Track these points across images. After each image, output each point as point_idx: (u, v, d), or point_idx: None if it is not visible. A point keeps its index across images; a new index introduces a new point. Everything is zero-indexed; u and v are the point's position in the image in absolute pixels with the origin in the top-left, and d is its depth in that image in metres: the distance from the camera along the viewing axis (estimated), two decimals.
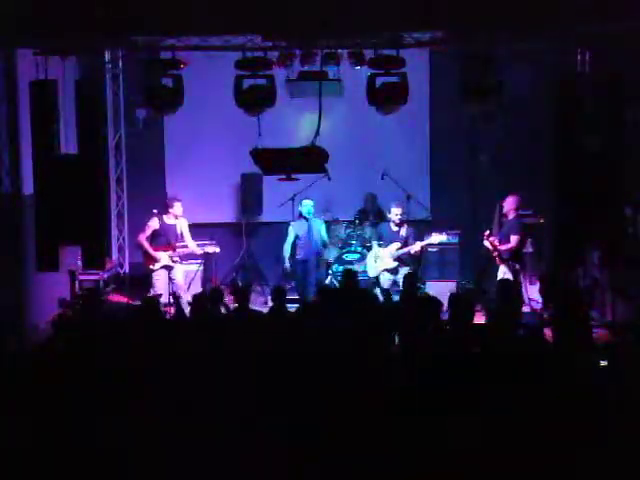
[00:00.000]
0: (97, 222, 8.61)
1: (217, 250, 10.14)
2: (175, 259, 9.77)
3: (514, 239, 9.30)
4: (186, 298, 9.40)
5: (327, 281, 10.53)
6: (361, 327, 6.44)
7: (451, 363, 5.45)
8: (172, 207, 9.75)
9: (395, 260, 9.80)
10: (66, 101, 8.49)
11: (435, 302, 6.78)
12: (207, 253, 10.11)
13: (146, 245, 9.69)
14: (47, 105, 8.25)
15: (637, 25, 7.47)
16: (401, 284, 8.66)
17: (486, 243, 9.44)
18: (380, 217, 11.00)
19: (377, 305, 8.06)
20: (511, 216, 9.47)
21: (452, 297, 6.57)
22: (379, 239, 10.02)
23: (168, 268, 9.75)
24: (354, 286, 8.06)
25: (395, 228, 9.85)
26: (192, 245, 9.92)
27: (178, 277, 9.80)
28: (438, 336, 6.32)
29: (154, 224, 9.72)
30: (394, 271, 9.80)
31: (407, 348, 6.33)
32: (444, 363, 5.46)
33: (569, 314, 6.46)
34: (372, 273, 10.00)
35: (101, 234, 8.89)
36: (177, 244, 9.82)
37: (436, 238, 9.76)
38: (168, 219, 9.76)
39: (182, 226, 9.85)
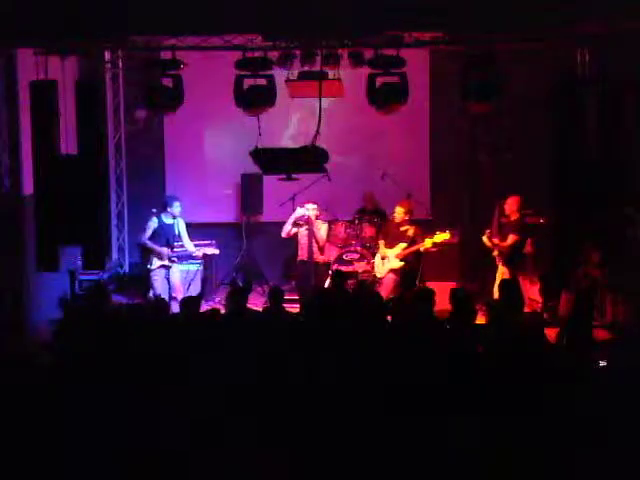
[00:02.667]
0: (97, 222, 8.61)
1: (217, 252, 10.18)
2: (173, 259, 9.79)
3: (511, 238, 9.32)
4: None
5: (327, 282, 10.52)
6: (358, 326, 6.45)
7: (452, 363, 5.46)
8: (170, 206, 9.75)
9: (402, 260, 9.78)
10: (66, 101, 8.48)
11: (428, 292, 6.84)
12: (205, 255, 10.14)
13: (150, 244, 9.72)
14: (47, 105, 8.25)
15: (637, 25, 7.47)
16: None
17: (485, 240, 9.45)
18: (380, 217, 10.98)
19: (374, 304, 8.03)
20: (513, 217, 9.48)
21: (453, 292, 6.63)
22: (385, 239, 10.00)
23: (166, 268, 9.77)
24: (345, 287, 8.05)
25: (403, 227, 9.83)
26: (189, 246, 9.94)
27: (174, 278, 9.82)
28: (439, 335, 6.33)
29: (153, 224, 9.74)
30: (397, 272, 9.78)
31: (407, 347, 6.30)
32: (445, 362, 5.47)
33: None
34: (379, 273, 10.00)
35: (101, 234, 8.88)
36: (175, 244, 9.84)
37: (440, 236, 9.74)
38: (166, 218, 9.78)
39: (180, 226, 9.86)
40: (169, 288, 9.78)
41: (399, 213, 9.82)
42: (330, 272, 10.56)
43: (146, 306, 8.37)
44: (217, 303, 10.29)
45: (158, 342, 6.22)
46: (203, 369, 5.56)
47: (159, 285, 9.78)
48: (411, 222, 9.88)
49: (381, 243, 10.06)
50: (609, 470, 4.53)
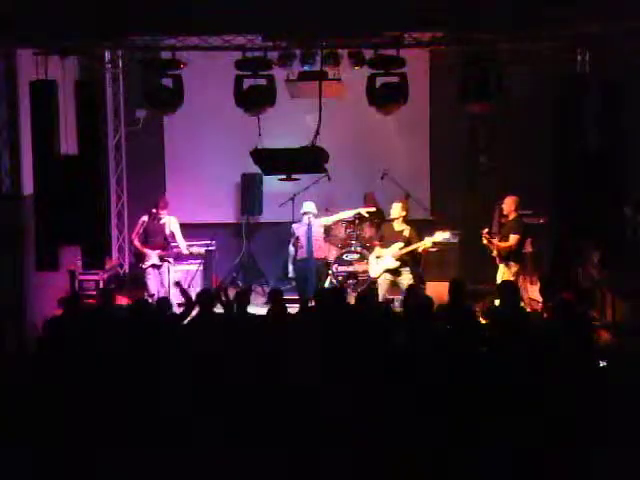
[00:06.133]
0: (97, 222, 8.60)
1: (202, 252, 10.22)
2: (167, 259, 9.82)
3: (513, 238, 9.33)
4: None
5: (327, 282, 10.53)
6: (362, 327, 6.45)
7: (452, 362, 5.46)
8: (158, 207, 9.81)
9: (397, 260, 9.77)
10: (66, 101, 8.48)
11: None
12: (192, 254, 10.16)
13: (136, 242, 9.80)
14: (47, 105, 8.24)
15: (637, 25, 7.47)
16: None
17: (484, 240, 9.45)
18: (380, 217, 10.99)
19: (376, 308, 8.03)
20: (511, 216, 9.49)
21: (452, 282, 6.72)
22: (381, 239, 9.99)
23: (157, 267, 9.78)
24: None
25: (399, 227, 9.79)
26: (182, 245, 9.96)
27: (170, 278, 9.82)
28: (440, 336, 6.33)
29: (143, 221, 9.81)
30: (396, 272, 9.75)
31: (408, 348, 6.31)
32: (445, 362, 5.47)
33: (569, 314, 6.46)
34: (373, 273, 9.98)
35: (101, 234, 8.87)
36: (168, 244, 9.85)
37: (440, 235, 9.72)
38: (157, 218, 9.82)
39: (172, 226, 9.87)
40: (166, 288, 9.79)
41: (396, 209, 9.78)
42: (330, 272, 10.58)
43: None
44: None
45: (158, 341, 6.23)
46: (204, 369, 5.56)
47: (152, 285, 9.81)
48: (408, 222, 9.88)
49: (377, 244, 10.05)
50: (609, 470, 4.54)
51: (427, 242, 9.65)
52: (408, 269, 9.74)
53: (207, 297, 7.23)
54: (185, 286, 10.00)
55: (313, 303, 7.42)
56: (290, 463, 4.65)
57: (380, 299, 9.39)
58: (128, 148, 11.97)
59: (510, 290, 7.43)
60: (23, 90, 8.55)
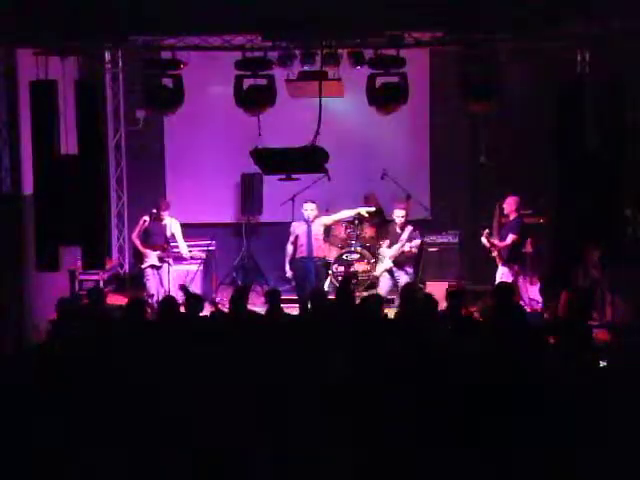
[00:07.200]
0: (97, 222, 8.60)
1: (203, 256, 10.24)
2: (166, 260, 9.83)
3: (510, 237, 9.35)
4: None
5: (327, 281, 10.52)
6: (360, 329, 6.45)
7: (451, 364, 5.46)
8: (160, 209, 9.82)
9: (393, 261, 9.82)
10: (66, 101, 8.48)
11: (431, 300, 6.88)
12: (192, 258, 10.19)
13: (137, 242, 9.82)
14: (47, 105, 8.24)
15: (637, 25, 7.47)
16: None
17: (483, 240, 9.46)
18: (380, 217, 10.99)
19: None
20: (512, 217, 9.50)
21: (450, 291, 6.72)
22: (389, 238, 10.02)
23: (157, 268, 9.79)
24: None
25: (399, 229, 9.86)
26: (182, 248, 9.96)
27: (170, 278, 9.83)
28: (437, 336, 6.33)
29: (144, 222, 9.82)
30: (391, 272, 9.84)
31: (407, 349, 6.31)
32: (444, 365, 5.47)
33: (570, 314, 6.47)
34: (377, 272, 10.09)
35: (101, 234, 8.87)
36: (168, 245, 9.85)
37: (415, 242, 9.80)
38: (159, 218, 9.83)
39: (174, 228, 9.88)
40: (166, 288, 9.79)
41: (399, 215, 9.85)
42: (330, 272, 10.58)
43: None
44: (218, 303, 10.28)
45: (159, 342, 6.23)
46: (204, 368, 5.56)
47: (152, 285, 9.82)
48: (408, 222, 9.91)
49: (384, 243, 10.09)
50: (609, 470, 4.54)
51: (406, 246, 9.71)
52: (403, 270, 9.81)
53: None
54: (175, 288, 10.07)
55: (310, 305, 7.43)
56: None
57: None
58: (128, 148, 11.96)
59: (507, 291, 7.43)
60: (23, 90, 8.55)
